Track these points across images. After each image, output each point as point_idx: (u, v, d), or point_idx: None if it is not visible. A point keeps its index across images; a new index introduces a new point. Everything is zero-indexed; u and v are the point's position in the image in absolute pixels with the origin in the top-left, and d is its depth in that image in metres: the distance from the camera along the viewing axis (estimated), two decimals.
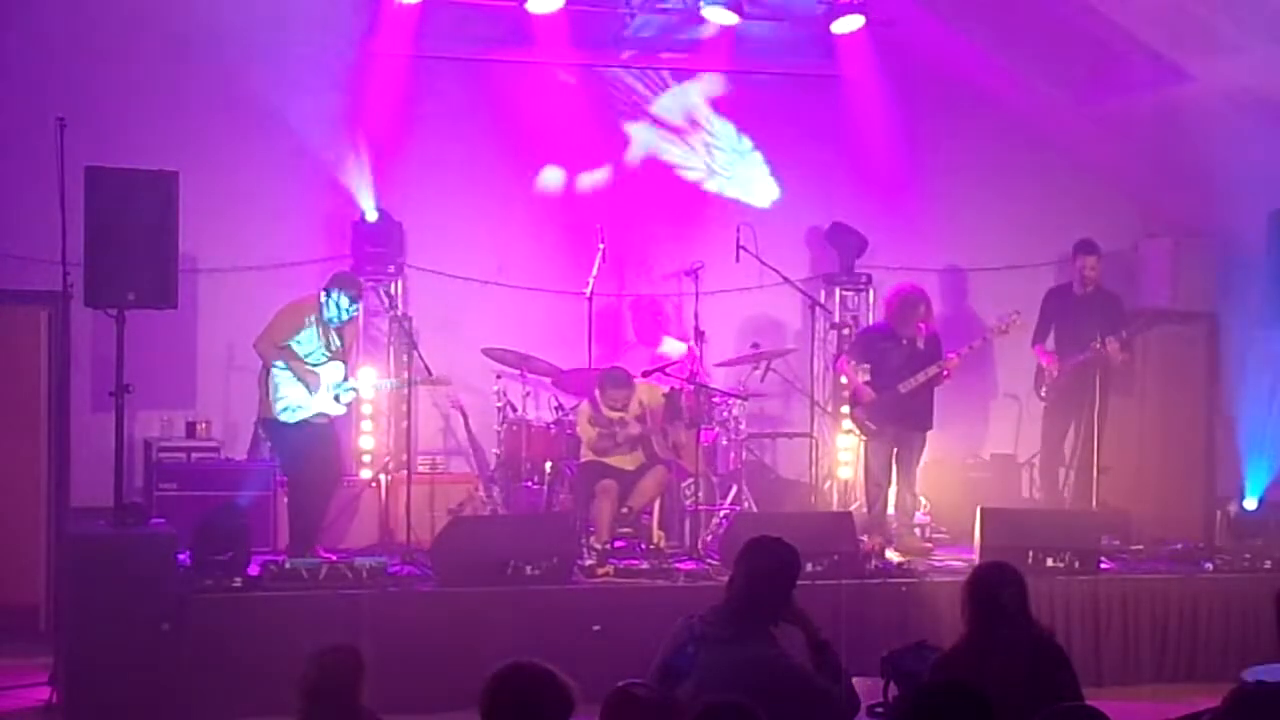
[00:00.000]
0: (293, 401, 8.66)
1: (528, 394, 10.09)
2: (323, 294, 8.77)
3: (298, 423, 8.70)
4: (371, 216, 10.17)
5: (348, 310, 8.83)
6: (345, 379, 8.87)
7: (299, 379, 8.64)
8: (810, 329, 10.91)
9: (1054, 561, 8.80)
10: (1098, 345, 9.79)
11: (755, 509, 9.82)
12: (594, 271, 9.88)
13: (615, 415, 9.23)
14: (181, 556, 8.02)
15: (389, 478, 9.49)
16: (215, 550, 8.00)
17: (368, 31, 10.10)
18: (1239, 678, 5.96)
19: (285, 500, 9.12)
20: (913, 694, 4.75)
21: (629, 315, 10.59)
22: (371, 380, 9.49)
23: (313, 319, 8.75)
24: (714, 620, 5.29)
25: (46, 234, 8.01)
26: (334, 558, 8.46)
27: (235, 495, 9.31)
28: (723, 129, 11.12)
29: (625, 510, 9.19)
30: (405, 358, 9.35)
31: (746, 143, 11.09)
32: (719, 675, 4.93)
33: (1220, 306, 10.99)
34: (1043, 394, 10.28)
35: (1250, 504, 9.86)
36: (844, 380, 10.18)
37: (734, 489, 9.99)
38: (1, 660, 8.34)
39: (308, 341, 8.73)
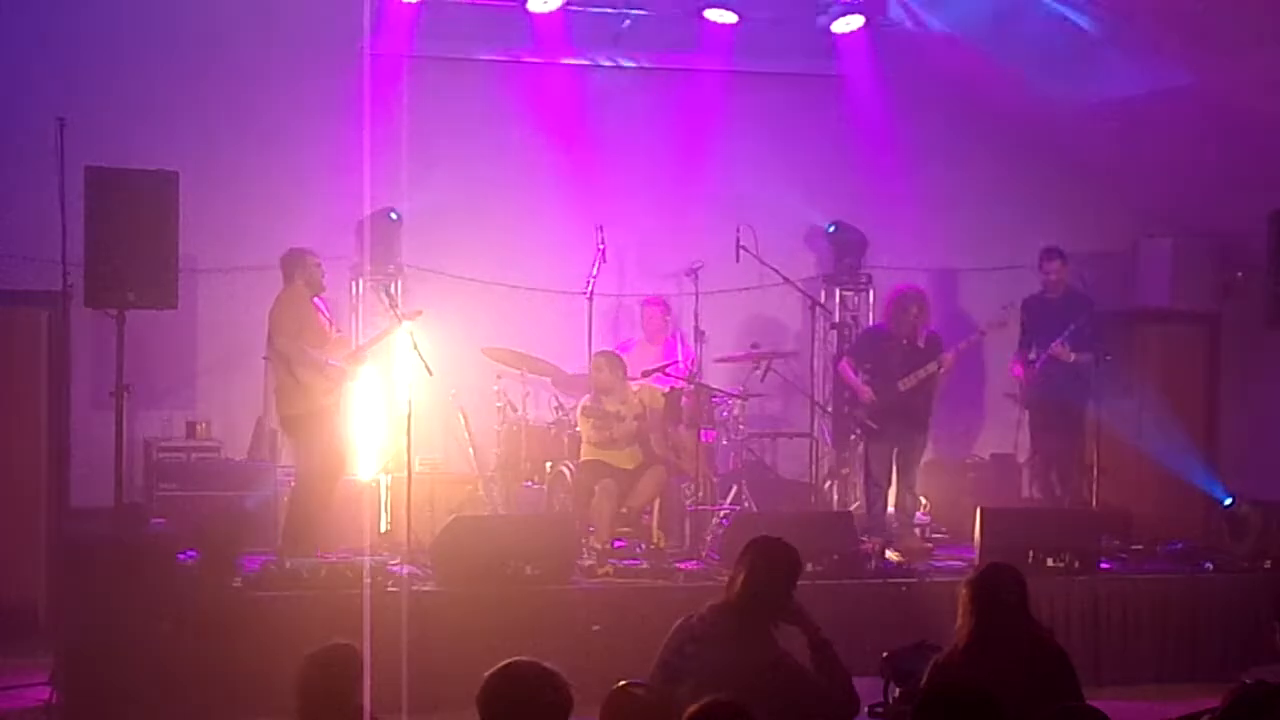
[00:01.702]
0: (333, 386, 8.69)
1: (528, 394, 10.09)
2: (300, 278, 8.74)
3: (325, 411, 8.70)
4: (394, 216, 10.18)
5: (321, 278, 8.88)
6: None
7: (332, 365, 8.68)
8: (810, 329, 10.91)
9: (1054, 561, 8.80)
10: (1054, 347, 9.83)
11: (755, 509, 9.82)
12: (594, 271, 9.90)
13: (604, 394, 9.21)
14: (183, 556, 8.03)
15: (389, 478, 9.49)
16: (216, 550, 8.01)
17: (367, 31, 10.09)
18: (1239, 678, 5.96)
19: (299, 498, 8.99)
20: (916, 695, 4.76)
21: (641, 314, 10.51)
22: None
23: (307, 304, 8.77)
24: (714, 620, 5.29)
25: (46, 234, 8.02)
26: (333, 558, 8.47)
27: (235, 495, 9.32)
28: None
29: (624, 510, 9.20)
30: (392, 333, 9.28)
31: None
32: (719, 675, 4.92)
33: (1220, 306, 10.99)
34: (1023, 404, 10.31)
35: (1227, 501, 9.90)
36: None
37: (734, 489, 9.99)
38: (1, 660, 8.33)
39: (316, 324, 8.76)
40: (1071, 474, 10.08)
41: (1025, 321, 10.14)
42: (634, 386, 9.46)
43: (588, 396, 9.37)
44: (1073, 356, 9.85)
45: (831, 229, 11.15)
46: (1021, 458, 10.87)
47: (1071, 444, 10.11)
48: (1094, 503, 9.88)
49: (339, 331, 9.18)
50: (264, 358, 9.34)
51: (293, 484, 9.06)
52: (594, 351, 9.56)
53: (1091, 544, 9.04)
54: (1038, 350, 10.01)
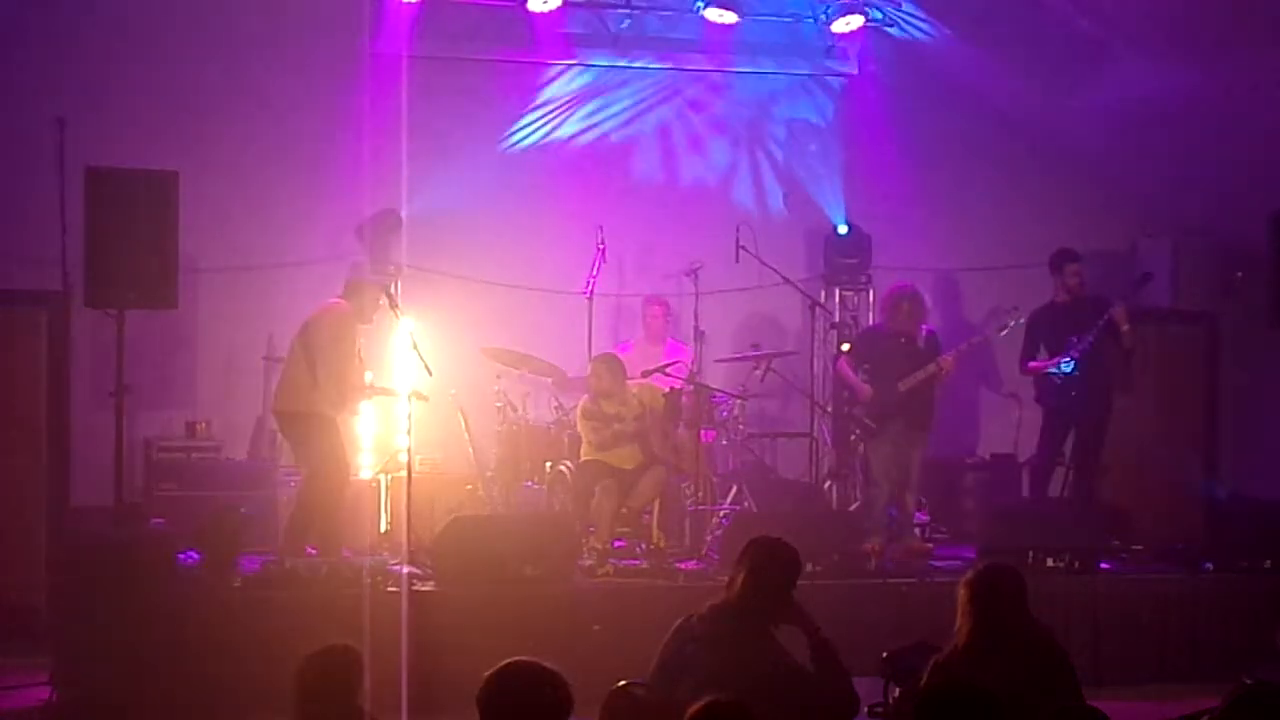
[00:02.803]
0: (342, 403, 8.69)
1: (528, 394, 10.09)
2: (356, 302, 8.69)
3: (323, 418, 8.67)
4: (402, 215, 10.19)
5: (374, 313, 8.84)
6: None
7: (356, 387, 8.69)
8: (810, 329, 10.91)
9: (1054, 561, 8.80)
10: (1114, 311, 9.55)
11: (755, 509, 9.82)
12: (594, 271, 9.90)
13: (603, 398, 9.21)
14: (183, 556, 8.02)
15: (389, 478, 9.48)
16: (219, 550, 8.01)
17: (368, 31, 10.10)
18: (1239, 678, 5.96)
19: (303, 499, 8.96)
20: (916, 695, 4.75)
21: (644, 312, 10.49)
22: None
23: (355, 327, 8.75)
24: (714, 620, 5.29)
25: (46, 234, 8.03)
26: (315, 554, 8.48)
27: (235, 495, 9.31)
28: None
29: (624, 510, 9.19)
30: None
31: None
32: (719, 675, 4.92)
33: (1220, 306, 10.99)
34: (1042, 402, 10.19)
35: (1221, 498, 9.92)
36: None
37: (734, 489, 9.99)
38: (1, 660, 8.33)
39: (354, 348, 8.71)
40: (1088, 477, 9.94)
41: (1033, 333, 9.80)
42: (633, 387, 9.45)
43: (586, 398, 9.37)
44: (1126, 325, 9.65)
45: (844, 230, 11.10)
46: (1021, 458, 10.85)
47: (1095, 447, 9.95)
48: (1094, 503, 9.87)
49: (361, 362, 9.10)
50: (264, 357, 9.35)
51: (297, 484, 9.04)
52: (593, 356, 9.55)
53: (1091, 544, 9.03)
54: (1053, 354, 9.79)
